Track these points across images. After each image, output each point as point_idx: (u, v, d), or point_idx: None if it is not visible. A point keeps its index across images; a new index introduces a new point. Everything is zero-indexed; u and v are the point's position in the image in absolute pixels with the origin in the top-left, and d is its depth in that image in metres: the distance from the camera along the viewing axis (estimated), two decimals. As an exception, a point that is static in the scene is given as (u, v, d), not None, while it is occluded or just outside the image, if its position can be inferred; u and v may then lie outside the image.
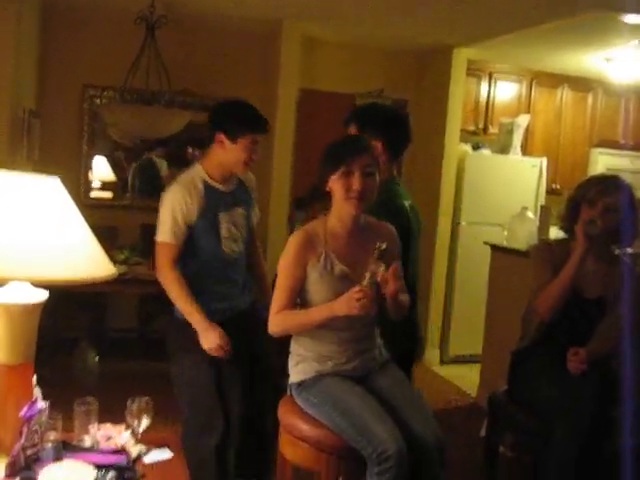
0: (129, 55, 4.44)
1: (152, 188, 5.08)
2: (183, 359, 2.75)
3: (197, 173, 2.77)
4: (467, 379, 5.04)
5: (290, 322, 2.30)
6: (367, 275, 2.08)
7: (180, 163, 4.76)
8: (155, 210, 2.78)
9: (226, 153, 2.71)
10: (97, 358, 4.41)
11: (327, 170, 2.24)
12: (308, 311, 2.26)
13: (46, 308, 2.61)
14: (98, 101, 5.12)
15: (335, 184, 2.22)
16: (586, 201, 2.58)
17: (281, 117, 5.19)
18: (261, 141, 2.75)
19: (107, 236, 4.46)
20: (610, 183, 2.61)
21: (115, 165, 5.31)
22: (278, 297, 2.31)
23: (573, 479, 2.14)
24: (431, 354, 5.62)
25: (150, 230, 3.55)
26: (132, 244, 4.71)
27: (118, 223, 5.10)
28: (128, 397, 2.01)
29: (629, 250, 2.77)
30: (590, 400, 2.20)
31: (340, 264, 2.24)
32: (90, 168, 5.18)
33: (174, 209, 2.68)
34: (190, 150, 5.26)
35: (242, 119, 2.72)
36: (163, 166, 5.37)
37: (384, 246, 2.08)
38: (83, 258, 1.69)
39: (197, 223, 2.70)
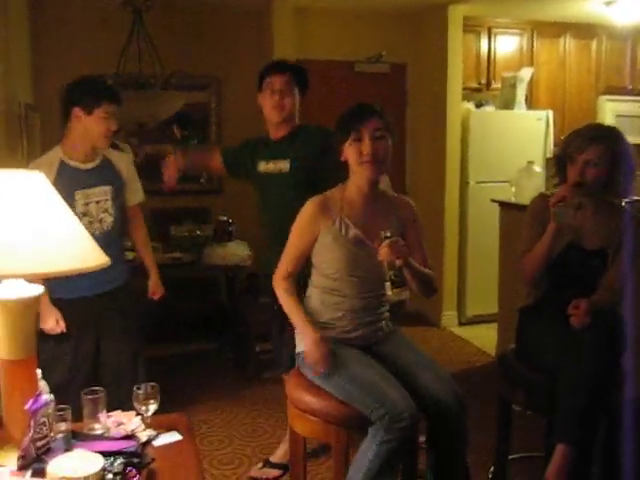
0: (120, 41, 4.41)
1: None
2: None
3: (54, 153, 2.85)
4: (486, 339, 5.03)
5: (285, 304, 2.41)
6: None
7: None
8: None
9: (84, 127, 2.79)
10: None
11: (340, 140, 2.30)
12: (299, 311, 2.35)
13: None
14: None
15: (348, 151, 2.28)
16: (568, 158, 2.54)
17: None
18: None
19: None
20: (590, 136, 2.52)
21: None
22: (285, 261, 2.43)
23: (579, 430, 2.13)
24: (449, 316, 5.62)
25: (161, 214, 3.52)
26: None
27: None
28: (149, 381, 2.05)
29: (631, 198, 2.72)
30: (594, 351, 2.17)
31: (355, 229, 2.30)
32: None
33: None
34: (176, 129, 5.26)
35: (95, 91, 2.82)
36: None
37: (388, 234, 2.13)
38: (73, 250, 1.70)
39: None
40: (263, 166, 2.97)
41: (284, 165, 2.90)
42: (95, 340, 2.92)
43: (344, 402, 2.11)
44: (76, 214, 2.67)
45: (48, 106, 4.93)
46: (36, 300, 1.74)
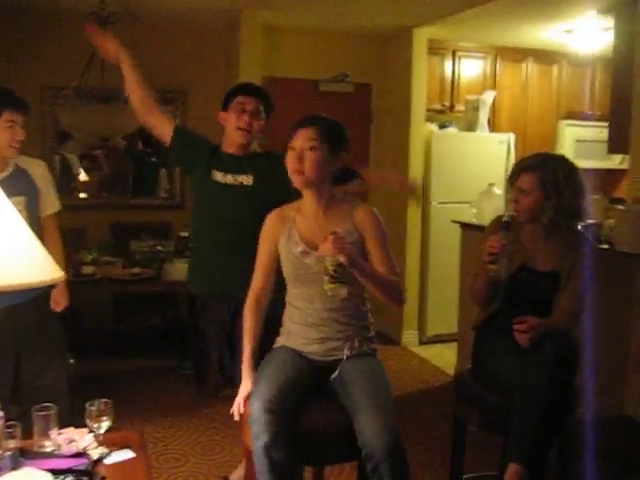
0: (84, 54, 4.37)
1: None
2: None
3: None
4: (445, 358, 5.07)
5: (244, 327, 2.45)
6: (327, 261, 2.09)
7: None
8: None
9: None
10: (72, 360, 4.38)
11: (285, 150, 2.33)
12: (247, 345, 2.40)
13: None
14: (53, 103, 5.05)
15: (287, 160, 2.31)
16: (509, 182, 2.66)
17: (245, 106, 5.15)
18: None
19: (74, 237, 4.43)
20: (522, 165, 2.63)
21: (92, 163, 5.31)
22: (255, 275, 2.46)
23: (531, 450, 2.15)
24: (409, 334, 5.64)
25: (121, 229, 3.44)
26: (101, 244, 4.68)
27: (84, 223, 5.05)
28: (106, 396, 2.02)
29: (587, 222, 2.78)
30: (542, 370, 2.21)
31: (301, 242, 2.31)
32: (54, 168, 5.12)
33: None
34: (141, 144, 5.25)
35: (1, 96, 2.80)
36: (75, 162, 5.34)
37: (337, 230, 2.12)
38: (25, 262, 1.67)
39: None
40: (220, 177, 2.86)
41: (246, 179, 2.85)
42: (14, 358, 2.87)
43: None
44: None
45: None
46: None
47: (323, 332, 2.31)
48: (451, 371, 4.75)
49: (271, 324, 3.09)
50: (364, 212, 2.32)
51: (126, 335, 4.61)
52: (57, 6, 4.84)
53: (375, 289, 2.22)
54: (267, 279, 2.43)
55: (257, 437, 2.05)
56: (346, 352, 2.28)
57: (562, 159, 2.61)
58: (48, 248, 2.92)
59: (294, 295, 2.38)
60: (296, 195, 2.45)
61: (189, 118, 5.49)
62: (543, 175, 2.50)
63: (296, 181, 2.29)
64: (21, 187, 2.83)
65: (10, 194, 2.68)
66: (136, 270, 4.42)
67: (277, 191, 2.81)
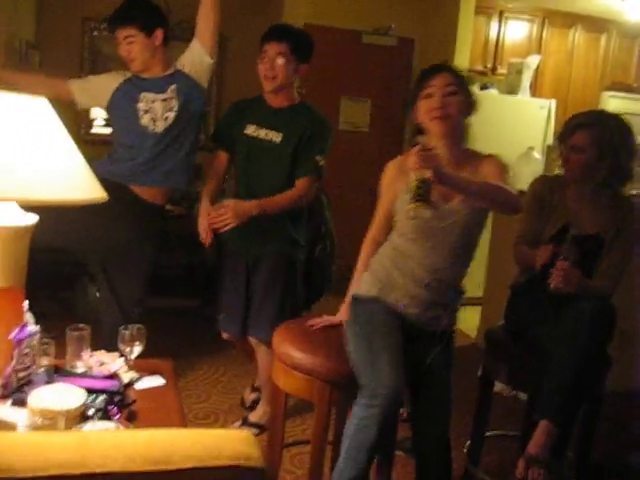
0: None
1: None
2: None
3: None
4: (467, 321, 5.03)
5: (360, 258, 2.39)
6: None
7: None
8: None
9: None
10: (98, 294, 4.42)
11: (414, 102, 2.22)
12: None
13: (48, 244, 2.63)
14: (97, 33, 5.02)
15: (420, 109, 2.21)
16: (560, 141, 2.56)
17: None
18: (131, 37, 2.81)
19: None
20: (577, 121, 2.54)
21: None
22: (373, 223, 2.39)
23: (564, 408, 2.13)
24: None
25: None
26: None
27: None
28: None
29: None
30: (583, 329, 2.17)
31: None
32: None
33: (102, 77, 2.99)
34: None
35: (115, 13, 2.85)
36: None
37: (424, 139, 2.00)
38: (71, 180, 1.66)
39: (115, 99, 2.91)
40: (252, 130, 2.89)
41: (276, 136, 2.85)
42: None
43: (331, 359, 2.11)
44: (136, 108, 2.84)
45: (48, 44, 4.84)
46: (29, 229, 1.71)
47: (430, 293, 2.18)
48: (473, 333, 4.74)
49: (317, 278, 3.19)
50: (490, 163, 2.23)
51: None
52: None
53: (481, 197, 2.07)
54: (387, 222, 2.32)
55: (381, 417, 1.90)
56: (443, 322, 2.20)
57: (618, 118, 2.53)
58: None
59: (407, 244, 2.22)
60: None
61: (226, 63, 5.43)
62: (599, 133, 2.44)
63: (438, 128, 2.17)
64: (177, 81, 2.90)
65: (165, 87, 2.86)
66: (168, 207, 4.40)
67: (306, 150, 2.82)
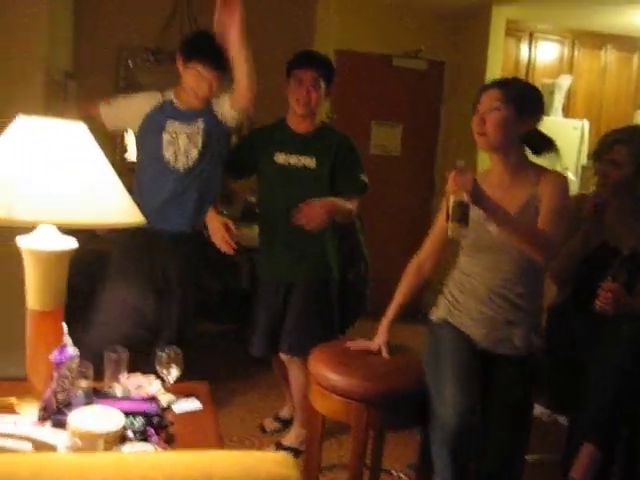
0: (163, 15, 4.42)
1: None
2: None
3: (169, 92, 2.92)
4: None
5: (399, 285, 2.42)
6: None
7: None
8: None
9: (183, 75, 2.83)
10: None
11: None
12: (395, 298, 2.39)
13: (87, 269, 2.67)
14: (132, 63, 5.12)
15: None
16: (596, 157, 2.54)
17: (317, 78, 5.13)
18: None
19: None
20: (616, 137, 2.53)
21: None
22: (424, 243, 2.40)
23: (607, 430, 2.09)
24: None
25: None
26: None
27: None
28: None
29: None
30: (626, 350, 2.13)
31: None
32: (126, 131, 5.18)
33: (134, 98, 2.97)
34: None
35: (194, 45, 2.81)
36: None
37: (463, 164, 1.96)
38: (109, 204, 1.69)
39: (144, 125, 2.87)
40: (283, 158, 2.93)
41: (309, 161, 2.90)
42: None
43: (367, 380, 2.09)
44: (160, 138, 2.81)
45: (85, 73, 4.95)
46: (69, 253, 1.73)
47: (494, 311, 2.15)
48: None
49: (351, 302, 3.19)
50: (549, 179, 2.14)
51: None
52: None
53: (513, 235, 2.02)
54: (435, 251, 2.33)
55: (451, 443, 1.92)
56: (516, 343, 2.14)
57: None
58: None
59: (467, 263, 2.23)
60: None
61: (261, 89, 5.48)
62: (637, 147, 2.42)
63: (480, 143, 2.18)
64: (205, 118, 2.87)
65: (192, 121, 2.83)
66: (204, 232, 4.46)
67: (348, 170, 2.87)
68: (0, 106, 2.95)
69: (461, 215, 1.92)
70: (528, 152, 2.26)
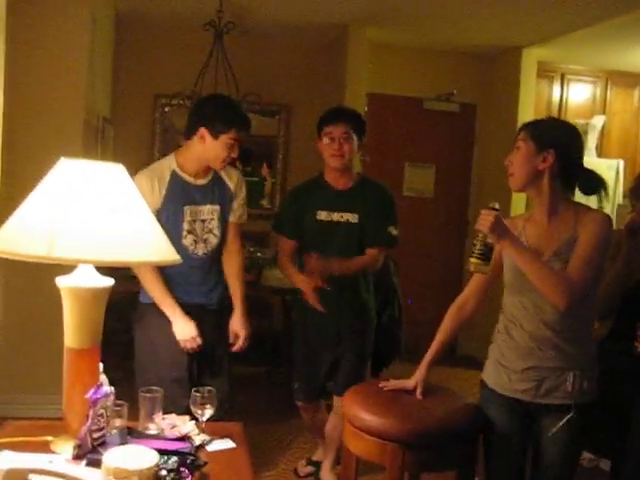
0: (198, 62, 4.54)
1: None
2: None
3: (167, 162, 2.75)
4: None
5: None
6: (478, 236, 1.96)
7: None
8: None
9: (205, 148, 2.67)
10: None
11: None
12: (435, 340, 2.36)
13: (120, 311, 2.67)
14: (168, 109, 5.26)
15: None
16: (633, 194, 2.52)
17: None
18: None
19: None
20: None
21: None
22: (470, 281, 2.33)
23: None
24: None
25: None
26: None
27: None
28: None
29: None
30: None
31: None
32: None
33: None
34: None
35: (227, 115, 2.67)
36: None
37: (496, 206, 1.97)
38: (146, 243, 1.71)
39: (161, 211, 2.66)
40: (325, 215, 2.99)
41: (352, 217, 2.97)
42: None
43: (402, 419, 2.07)
44: (180, 229, 2.71)
45: (123, 120, 5.09)
46: (106, 291, 1.75)
47: (539, 360, 2.07)
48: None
49: (386, 344, 3.28)
50: (589, 217, 2.03)
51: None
52: (171, 16, 5.05)
53: (532, 277, 1.97)
54: (480, 289, 2.28)
55: None
56: (558, 395, 2.06)
57: None
58: (229, 262, 2.88)
59: (510, 304, 2.18)
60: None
61: (291, 132, 5.57)
62: None
63: (510, 184, 2.16)
64: (217, 196, 2.80)
65: (206, 202, 2.78)
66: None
67: (376, 221, 2.97)
68: (42, 150, 3.06)
69: (485, 253, 1.95)
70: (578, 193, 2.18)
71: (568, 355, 2.05)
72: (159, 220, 2.54)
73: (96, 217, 1.62)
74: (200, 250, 2.76)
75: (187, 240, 2.73)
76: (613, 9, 4.24)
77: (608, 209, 4.97)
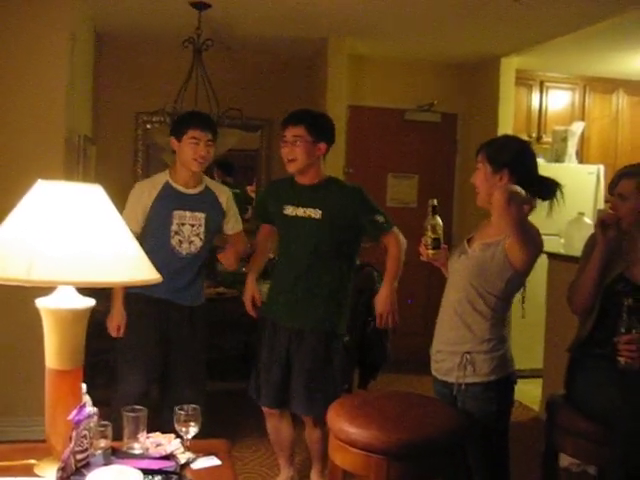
0: (178, 79, 4.55)
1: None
2: None
3: (162, 176, 3.20)
4: (530, 393, 4.89)
5: None
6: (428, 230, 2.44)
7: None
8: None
9: (178, 155, 3.11)
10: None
11: None
12: None
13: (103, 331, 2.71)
14: (150, 126, 5.26)
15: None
16: (609, 191, 2.65)
17: (331, 134, 5.21)
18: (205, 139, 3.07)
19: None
20: (622, 172, 2.63)
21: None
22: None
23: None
24: (491, 369, 5.48)
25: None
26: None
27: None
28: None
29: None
30: None
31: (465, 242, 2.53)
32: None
33: (131, 201, 3.13)
34: (216, 173, 5.31)
35: (183, 119, 3.17)
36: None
37: (435, 202, 2.41)
38: (125, 263, 1.71)
39: (151, 215, 3.10)
40: (291, 210, 3.01)
41: (314, 212, 2.95)
42: (163, 344, 3.17)
43: (387, 431, 2.07)
44: (168, 230, 3.09)
45: (104, 138, 5.09)
46: (87, 312, 1.75)
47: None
48: (536, 406, 4.59)
49: (371, 355, 3.55)
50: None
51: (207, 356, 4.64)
52: (150, 34, 5.07)
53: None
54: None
55: None
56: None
57: None
58: (229, 258, 3.35)
59: None
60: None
61: (273, 146, 5.58)
62: None
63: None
64: (206, 206, 3.17)
65: (195, 209, 3.13)
66: (220, 290, 4.49)
67: (345, 224, 2.95)
68: (23, 170, 3.05)
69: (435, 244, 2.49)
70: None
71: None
72: (149, 221, 3.11)
73: (74, 238, 1.62)
74: (184, 250, 3.12)
75: (174, 240, 3.12)
76: (590, 16, 4.29)
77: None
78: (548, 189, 2.39)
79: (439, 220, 2.46)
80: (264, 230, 3.34)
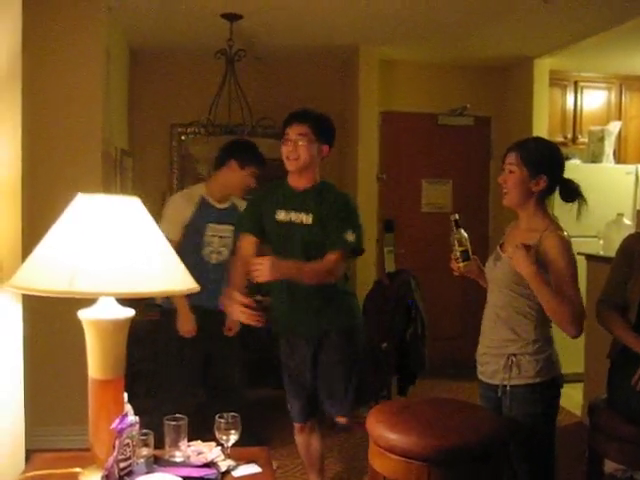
0: (212, 90, 4.60)
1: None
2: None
3: (198, 189, 3.55)
4: (572, 398, 4.81)
5: None
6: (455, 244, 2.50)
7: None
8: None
9: (233, 177, 3.44)
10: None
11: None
12: None
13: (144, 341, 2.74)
14: (184, 137, 5.33)
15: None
16: None
17: (363, 140, 5.23)
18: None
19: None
20: None
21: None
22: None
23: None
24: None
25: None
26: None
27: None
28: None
29: None
30: None
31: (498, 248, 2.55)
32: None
33: (172, 212, 3.42)
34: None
35: (252, 152, 3.48)
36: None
37: (457, 216, 2.51)
38: (163, 273, 1.74)
39: (188, 226, 3.39)
40: (283, 215, 2.91)
41: (306, 217, 2.87)
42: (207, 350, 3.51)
43: (427, 437, 2.05)
44: (202, 242, 3.39)
45: (140, 151, 5.17)
46: (127, 322, 1.78)
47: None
48: (578, 411, 4.52)
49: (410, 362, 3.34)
50: (549, 245, 2.34)
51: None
52: (183, 47, 5.14)
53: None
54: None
55: None
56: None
57: None
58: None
59: None
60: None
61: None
62: None
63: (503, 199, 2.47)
64: (233, 218, 3.35)
65: (224, 221, 3.42)
66: (258, 297, 4.51)
67: (337, 227, 2.84)
68: (62, 184, 3.11)
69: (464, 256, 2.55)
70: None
71: None
72: (185, 231, 3.37)
73: (114, 250, 1.65)
74: (213, 259, 3.45)
75: (205, 250, 3.44)
76: (622, 14, 4.23)
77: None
78: (570, 192, 2.43)
79: (463, 233, 2.50)
80: (247, 243, 3.02)
